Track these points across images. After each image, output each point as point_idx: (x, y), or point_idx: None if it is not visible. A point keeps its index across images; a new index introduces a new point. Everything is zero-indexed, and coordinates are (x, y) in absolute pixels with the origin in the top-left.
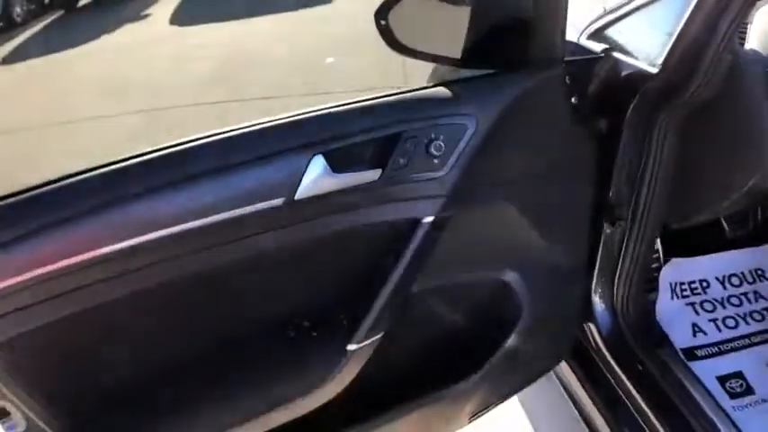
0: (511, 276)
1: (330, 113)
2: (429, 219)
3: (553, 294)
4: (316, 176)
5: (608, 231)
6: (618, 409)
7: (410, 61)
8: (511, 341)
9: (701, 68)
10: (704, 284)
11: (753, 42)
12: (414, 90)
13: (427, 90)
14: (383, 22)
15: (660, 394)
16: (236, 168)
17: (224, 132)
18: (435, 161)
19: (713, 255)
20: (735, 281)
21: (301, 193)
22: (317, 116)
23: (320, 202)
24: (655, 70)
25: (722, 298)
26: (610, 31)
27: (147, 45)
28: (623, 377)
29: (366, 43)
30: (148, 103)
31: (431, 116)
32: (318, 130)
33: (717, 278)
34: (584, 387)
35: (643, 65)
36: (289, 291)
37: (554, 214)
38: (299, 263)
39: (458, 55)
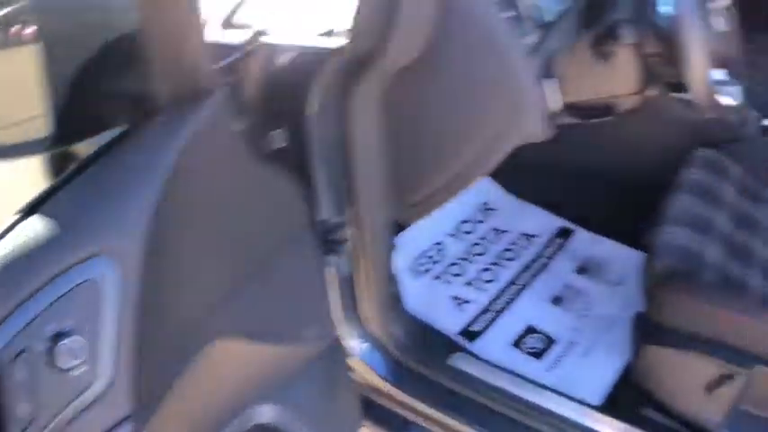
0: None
1: None
2: None
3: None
4: None
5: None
6: None
7: None
8: None
9: (399, 21)
10: (439, 247)
11: None
12: None
13: None
14: None
15: (465, 403)
16: None
17: None
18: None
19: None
20: (466, 227)
21: None
22: None
23: None
24: (332, 43)
25: (465, 252)
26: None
27: None
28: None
29: None
30: None
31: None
32: None
33: (448, 233)
34: None
35: (314, 40)
36: None
37: (292, 303)
38: None
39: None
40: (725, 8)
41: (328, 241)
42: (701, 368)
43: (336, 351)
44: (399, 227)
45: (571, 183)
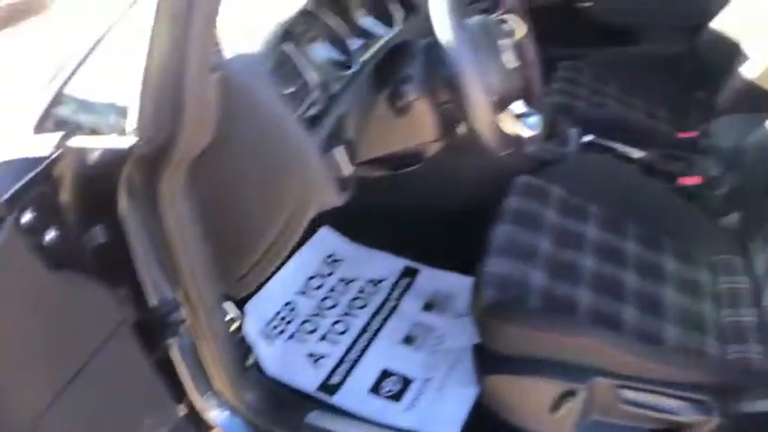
0: None
1: None
2: None
3: None
4: None
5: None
6: None
7: None
8: None
9: (184, 112)
10: (290, 307)
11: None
12: None
13: None
14: None
15: None
16: None
17: None
18: None
19: (278, 273)
20: (315, 282)
21: None
22: None
23: None
24: (129, 139)
25: (316, 308)
26: (63, 108)
27: None
28: None
29: None
30: None
31: None
32: None
33: (297, 292)
34: None
35: (113, 139)
36: None
37: None
38: None
39: None
40: (515, 44)
41: (166, 324)
42: (543, 390)
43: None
44: (248, 295)
45: (411, 222)
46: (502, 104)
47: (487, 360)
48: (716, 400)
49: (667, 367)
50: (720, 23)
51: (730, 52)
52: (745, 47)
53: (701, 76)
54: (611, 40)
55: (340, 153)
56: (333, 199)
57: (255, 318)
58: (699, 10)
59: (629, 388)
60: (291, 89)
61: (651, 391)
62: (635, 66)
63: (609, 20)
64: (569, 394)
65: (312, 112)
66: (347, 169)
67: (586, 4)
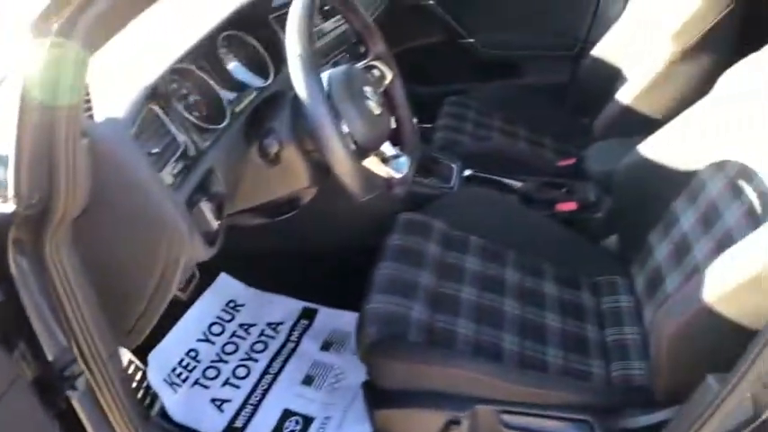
0: None
1: None
2: None
3: None
4: None
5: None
6: None
7: None
8: None
9: (58, 177)
10: (193, 354)
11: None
12: None
13: None
14: None
15: None
16: None
17: None
18: None
19: (180, 322)
20: (216, 329)
21: None
22: None
23: None
24: (10, 205)
25: (218, 354)
26: None
27: None
28: None
29: None
30: None
31: None
32: None
33: (199, 339)
34: None
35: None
36: None
37: None
38: None
39: None
40: (384, 89)
41: (64, 377)
42: (429, 420)
43: None
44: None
45: (308, 265)
46: (369, 149)
47: (376, 396)
48: (598, 419)
49: (550, 392)
50: (601, 51)
51: (610, 79)
52: (624, 73)
53: (583, 104)
54: (496, 74)
55: (207, 207)
56: (201, 253)
57: (159, 366)
58: (579, 40)
59: (511, 413)
60: (159, 148)
61: (534, 415)
62: (519, 97)
63: (492, 54)
64: (454, 423)
65: (179, 168)
66: (214, 223)
67: (469, 41)
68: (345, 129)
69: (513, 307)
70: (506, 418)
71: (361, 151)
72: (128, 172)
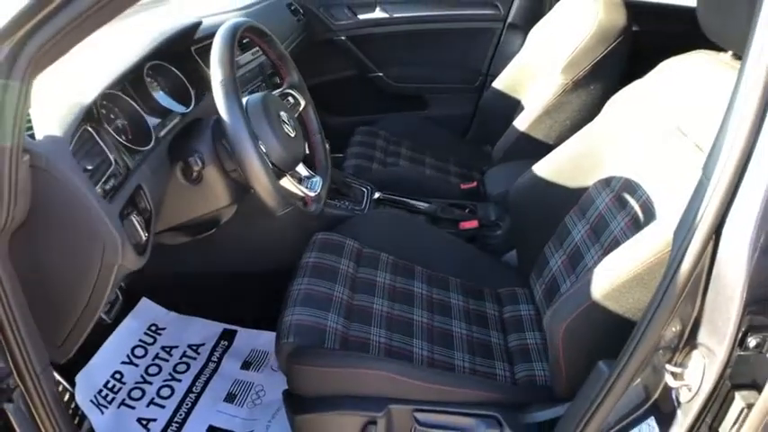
0: None
1: None
2: None
3: None
4: None
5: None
6: None
7: None
8: None
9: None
10: (117, 376)
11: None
12: None
13: None
14: None
15: None
16: None
17: None
18: None
19: (104, 345)
20: (139, 351)
21: None
22: None
23: None
24: None
25: (142, 376)
26: None
27: None
28: None
29: None
30: None
31: None
32: None
33: (123, 362)
34: None
35: None
36: None
37: None
38: None
39: None
40: (298, 115)
41: (0, 390)
42: (347, 423)
43: None
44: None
45: (225, 287)
46: (284, 168)
47: (296, 403)
48: (505, 415)
49: (459, 389)
50: (501, 83)
51: (509, 108)
52: (522, 103)
53: (485, 132)
54: (404, 106)
55: (136, 220)
56: (132, 261)
57: (86, 387)
58: (481, 73)
59: (424, 411)
60: (92, 165)
61: (445, 413)
62: (425, 127)
63: (400, 87)
64: (371, 423)
65: (111, 184)
66: (144, 234)
67: (378, 74)
68: (263, 148)
69: (422, 317)
70: (419, 416)
71: (278, 171)
72: (66, 185)
